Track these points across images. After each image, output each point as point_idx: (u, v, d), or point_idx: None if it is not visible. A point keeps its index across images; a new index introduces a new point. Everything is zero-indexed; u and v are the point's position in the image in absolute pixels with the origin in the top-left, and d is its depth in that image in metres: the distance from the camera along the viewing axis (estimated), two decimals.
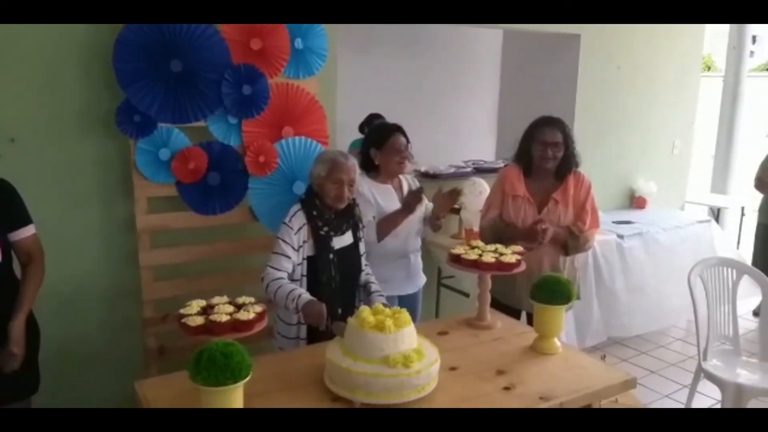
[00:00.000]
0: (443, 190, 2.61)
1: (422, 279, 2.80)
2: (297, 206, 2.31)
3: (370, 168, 2.66)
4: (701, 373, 2.91)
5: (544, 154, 2.64)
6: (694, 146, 5.26)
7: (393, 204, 2.63)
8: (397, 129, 2.63)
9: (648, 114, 4.75)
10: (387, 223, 2.57)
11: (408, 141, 2.63)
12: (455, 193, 2.59)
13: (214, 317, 1.74)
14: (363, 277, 2.44)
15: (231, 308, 1.81)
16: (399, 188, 2.70)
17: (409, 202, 2.56)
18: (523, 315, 2.76)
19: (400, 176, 2.73)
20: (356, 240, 2.41)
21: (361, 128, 4.74)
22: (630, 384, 1.88)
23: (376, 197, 2.61)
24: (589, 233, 2.69)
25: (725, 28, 6.14)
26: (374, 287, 2.40)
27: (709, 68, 13.03)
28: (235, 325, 1.73)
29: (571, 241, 2.66)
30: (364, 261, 2.44)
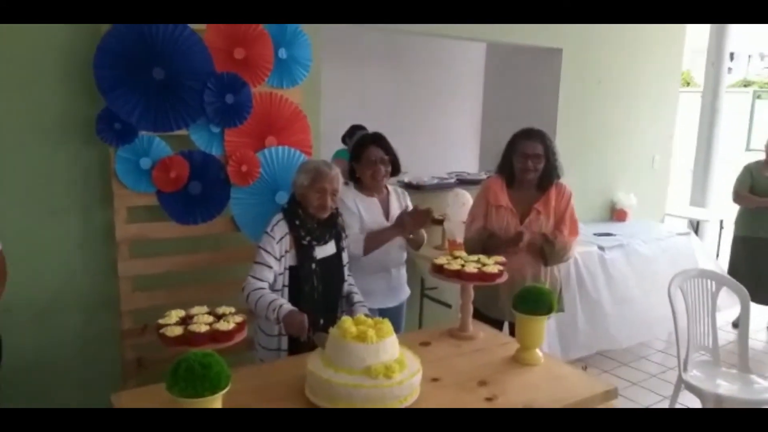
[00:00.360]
0: (419, 207, 2.58)
1: (405, 293, 2.78)
2: (279, 215, 2.30)
3: (356, 181, 2.66)
4: (682, 384, 2.93)
5: (524, 165, 2.66)
6: (673, 160, 5.35)
7: (376, 217, 2.61)
8: (373, 141, 2.62)
9: (628, 128, 4.81)
10: (375, 239, 2.55)
11: (387, 153, 2.60)
12: (425, 213, 2.53)
13: (192, 327, 1.72)
14: (346, 287, 2.43)
15: (210, 318, 1.80)
16: (386, 201, 2.68)
17: (404, 223, 2.53)
18: (506, 326, 2.76)
19: (390, 190, 2.72)
20: (339, 250, 2.40)
21: (344, 139, 4.75)
22: (611, 394, 1.89)
23: (360, 209, 2.60)
24: (566, 240, 2.71)
25: (704, 44, 6.26)
26: (357, 297, 2.39)
27: (688, 84, 13.28)
28: (214, 336, 1.72)
29: (547, 248, 2.67)
30: (346, 271, 2.43)
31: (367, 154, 2.59)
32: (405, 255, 2.77)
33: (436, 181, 3.96)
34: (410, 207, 2.70)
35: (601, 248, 3.94)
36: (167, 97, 2.52)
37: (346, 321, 1.78)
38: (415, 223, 2.55)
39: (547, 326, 3.45)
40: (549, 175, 2.71)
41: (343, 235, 2.44)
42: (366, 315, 1.95)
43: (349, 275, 2.46)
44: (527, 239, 2.61)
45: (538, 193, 2.73)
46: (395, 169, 2.66)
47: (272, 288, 2.24)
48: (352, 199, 2.61)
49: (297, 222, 2.27)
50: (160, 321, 1.78)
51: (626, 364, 4.05)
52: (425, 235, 2.75)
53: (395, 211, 2.65)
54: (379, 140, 2.62)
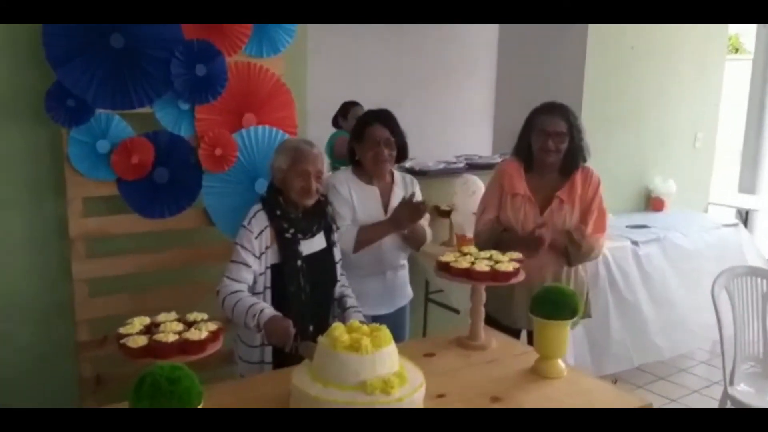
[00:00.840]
0: (413, 200, 2.57)
1: (403, 299, 2.80)
2: (257, 206, 2.31)
3: (356, 164, 2.67)
4: (728, 399, 2.94)
5: (544, 145, 2.66)
6: (719, 139, 5.34)
7: (371, 210, 2.62)
8: (378, 118, 2.62)
9: (666, 102, 4.82)
10: (368, 234, 2.56)
11: (394, 134, 2.60)
12: (419, 207, 2.53)
13: (159, 337, 1.73)
14: (338, 289, 2.43)
15: (180, 326, 1.80)
16: (387, 191, 2.68)
17: (399, 217, 2.53)
18: (524, 335, 2.78)
19: (397, 177, 2.72)
20: (329, 244, 2.41)
21: (336, 119, 4.76)
22: None
23: (353, 197, 2.61)
24: (593, 239, 2.71)
25: None
26: (350, 302, 2.40)
27: (736, 50, 13.24)
28: (184, 346, 1.72)
29: (572, 249, 2.68)
30: (339, 270, 2.44)
31: (369, 133, 2.59)
32: (404, 256, 2.78)
33: (442, 165, 3.97)
34: (418, 197, 2.70)
35: (635, 243, 3.96)
36: (128, 69, 2.51)
37: (338, 328, 1.79)
38: (411, 217, 2.54)
39: (575, 336, 3.50)
40: (574, 157, 2.71)
41: (334, 227, 2.44)
42: (361, 322, 1.95)
43: (342, 274, 2.46)
44: (548, 242, 2.60)
45: (561, 179, 2.73)
46: (401, 154, 2.66)
47: (252, 291, 2.25)
48: (346, 184, 2.62)
49: (278, 212, 2.28)
50: (122, 330, 1.78)
51: (664, 378, 4.08)
52: (427, 233, 2.75)
53: (398, 203, 2.62)
54: (385, 118, 2.62)
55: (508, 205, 2.73)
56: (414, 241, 2.70)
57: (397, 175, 2.76)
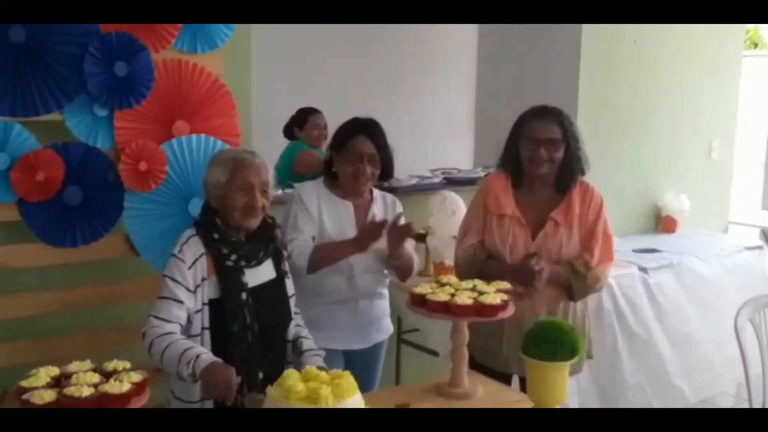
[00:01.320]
0: (377, 220, 2.63)
1: (383, 333, 2.85)
2: (190, 231, 2.31)
3: (331, 175, 2.74)
4: None
5: (535, 155, 2.69)
6: (738, 148, 5.46)
7: (343, 227, 2.68)
8: (364, 129, 2.70)
9: (676, 105, 4.92)
10: (326, 254, 2.59)
11: (380, 149, 2.67)
12: (405, 229, 2.61)
13: (70, 391, 1.70)
14: (292, 329, 2.42)
15: (96, 378, 1.78)
16: (365, 211, 2.75)
17: (364, 236, 2.58)
18: (515, 381, 2.78)
19: (377, 196, 2.80)
20: (280, 274, 2.39)
21: (289, 129, 4.75)
22: None
23: (323, 213, 2.66)
24: (599, 269, 2.74)
25: None
26: (307, 343, 2.39)
27: (755, 45, 13.64)
28: (102, 401, 1.69)
29: (576, 283, 2.70)
30: (293, 305, 2.43)
31: (352, 146, 2.66)
32: (382, 283, 2.83)
33: (415, 181, 4.00)
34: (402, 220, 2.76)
35: (644, 270, 4.01)
36: (31, 67, 2.50)
37: (291, 376, 1.77)
38: (372, 237, 2.57)
39: (580, 382, 3.51)
40: (569, 169, 2.74)
41: (284, 253, 2.43)
42: (320, 368, 1.94)
43: (296, 312, 2.45)
44: (546, 275, 2.61)
45: (556, 197, 2.77)
46: (385, 173, 2.74)
47: (187, 333, 2.24)
48: (314, 196, 2.68)
49: (215, 236, 2.27)
50: (24, 383, 1.75)
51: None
52: (415, 260, 2.80)
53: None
54: (372, 131, 2.70)
55: (494, 227, 2.75)
56: (400, 270, 2.76)
57: (377, 193, 2.83)
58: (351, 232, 2.68)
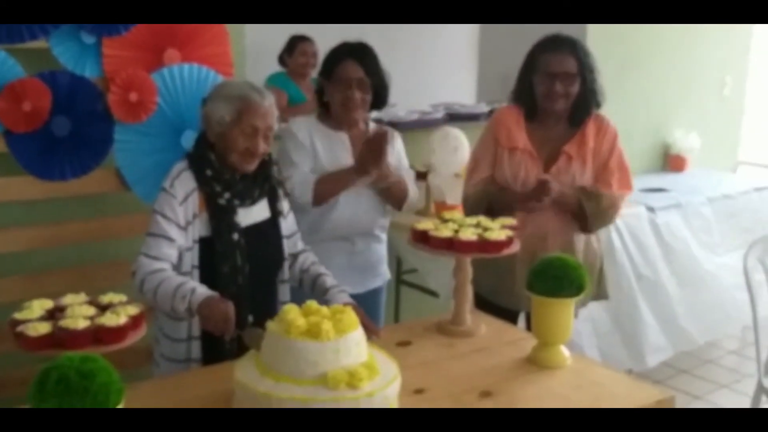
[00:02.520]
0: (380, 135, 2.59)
1: (377, 279, 2.87)
2: (182, 164, 2.28)
3: (323, 106, 2.73)
4: (762, 394, 3.03)
5: (550, 89, 2.68)
6: (750, 84, 5.44)
7: (339, 158, 2.67)
8: (352, 53, 2.67)
9: (688, 40, 4.89)
10: (330, 184, 2.60)
11: (370, 74, 2.64)
12: (379, 138, 2.53)
13: (65, 323, 1.72)
14: (305, 265, 2.43)
15: (91, 310, 1.80)
16: (359, 140, 2.69)
17: (364, 158, 2.55)
18: (522, 323, 2.83)
19: (369, 124, 2.78)
20: (275, 214, 2.39)
21: (282, 57, 4.72)
22: (667, 404, 1.95)
23: (316, 144, 2.65)
24: (616, 195, 2.76)
25: None
26: (330, 281, 2.38)
27: None
28: (98, 334, 1.72)
29: (589, 205, 2.68)
30: (286, 246, 2.42)
31: (340, 71, 2.63)
32: (381, 224, 2.82)
33: (416, 116, 3.98)
34: (403, 158, 2.76)
35: (651, 209, 4.03)
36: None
37: (291, 311, 1.80)
38: (373, 157, 2.53)
39: (596, 323, 3.56)
40: (585, 103, 2.75)
41: (280, 191, 2.41)
42: (346, 304, 1.98)
43: (306, 249, 2.47)
44: (557, 191, 2.62)
45: (570, 130, 2.77)
46: (379, 99, 2.71)
47: (177, 271, 2.23)
48: (306, 130, 2.67)
49: (208, 172, 2.25)
50: (17, 315, 1.77)
51: (686, 371, 4.20)
52: (411, 189, 2.77)
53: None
54: (361, 53, 2.66)
55: (505, 161, 2.75)
56: (392, 195, 2.72)
57: (373, 125, 2.81)
58: (347, 162, 2.65)
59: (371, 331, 2.09)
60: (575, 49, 2.71)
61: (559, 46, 2.71)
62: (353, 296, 2.62)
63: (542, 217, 2.68)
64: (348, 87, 2.62)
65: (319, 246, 2.59)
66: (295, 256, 2.46)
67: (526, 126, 2.77)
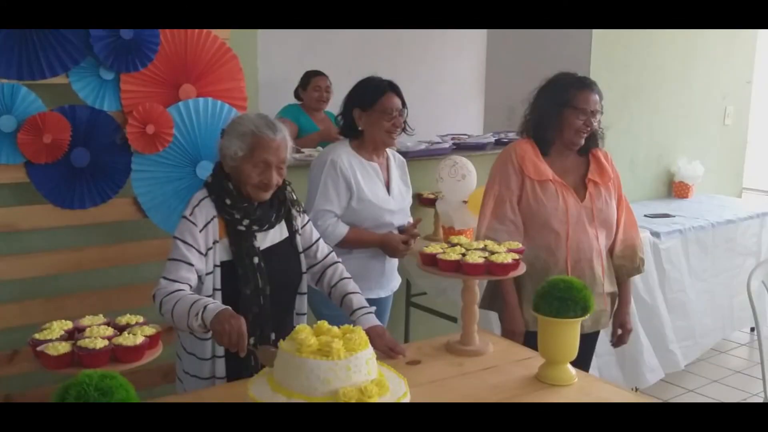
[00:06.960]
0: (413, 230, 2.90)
1: (397, 280, 3.08)
2: (202, 192, 2.29)
3: (352, 135, 2.86)
4: None
5: (582, 125, 2.72)
6: (754, 113, 5.46)
7: (375, 190, 2.83)
8: (391, 87, 2.85)
9: (690, 69, 4.91)
10: (358, 242, 2.82)
11: (404, 105, 2.85)
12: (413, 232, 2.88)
13: (84, 343, 1.73)
14: (337, 282, 2.45)
15: (109, 331, 1.82)
16: (387, 171, 2.92)
17: (395, 244, 2.84)
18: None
19: (389, 154, 2.97)
20: (292, 233, 2.41)
21: (297, 92, 4.78)
22: None
23: (357, 174, 2.79)
24: (637, 242, 2.94)
25: None
26: (357, 301, 2.40)
27: None
28: (116, 353, 1.73)
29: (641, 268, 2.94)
30: (315, 254, 2.47)
31: (385, 102, 2.80)
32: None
33: (423, 146, 4.00)
34: (408, 186, 3.00)
35: (656, 234, 4.03)
36: (37, 30, 2.51)
37: (303, 330, 1.80)
38: (403, 248, 2.86)
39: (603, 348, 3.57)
40: (593, 136, 2.82)
41: (295, 210, 2.43)
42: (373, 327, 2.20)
43: (336, 261, 2.51)
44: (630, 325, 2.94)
45: (579, 159, 2.83)
46: (404, 127, 2.92)
47: (199, 294, 2.24)
48: (347, 160, 2.79)
49: (228, 201, 2.28)
50: (37, 336, 1.78)
51: (704, 359, 4.38)
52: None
53: (396, 183, 2.94)
54: (397, 87, 2.87)
55: (538, 193, 2.74)
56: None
57: (388, 151, 2.96)
58: (382, 192, 2.85)
59: (397, 352, 2.27)
60: (597, 88, 2.79)
61: (589, 84, 2.77)
62: (378, 300, 2.86)
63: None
64: (393, 117, 2.79)
65: (362, 259, 2.83)
66: (324, 269, 2.49)
67: (544, 159, 2.81)
